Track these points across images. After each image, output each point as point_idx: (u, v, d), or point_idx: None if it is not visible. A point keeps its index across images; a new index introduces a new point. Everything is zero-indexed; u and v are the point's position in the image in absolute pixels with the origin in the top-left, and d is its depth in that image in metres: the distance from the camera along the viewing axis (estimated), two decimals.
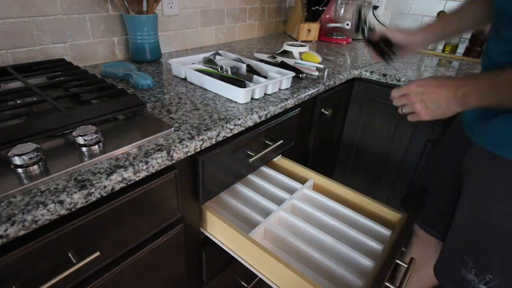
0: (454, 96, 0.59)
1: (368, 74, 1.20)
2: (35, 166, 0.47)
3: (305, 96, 0.91)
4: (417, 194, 0.91)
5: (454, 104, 0.60)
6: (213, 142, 0.66)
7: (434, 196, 0.86)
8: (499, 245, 0.64)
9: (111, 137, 0.57)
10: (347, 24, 1.61)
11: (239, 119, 0.70)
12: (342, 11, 1.69)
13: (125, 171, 0.50)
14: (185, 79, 0.93)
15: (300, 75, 0.99)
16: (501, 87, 0.55)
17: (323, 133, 1.24)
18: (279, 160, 0.99)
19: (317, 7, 1.56)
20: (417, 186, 0.94)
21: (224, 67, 0.89)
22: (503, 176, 0.61)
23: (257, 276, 0.69)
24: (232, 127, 0.69)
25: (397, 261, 0.66)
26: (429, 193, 0.87)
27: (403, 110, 0.71)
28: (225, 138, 0.69)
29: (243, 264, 0.72)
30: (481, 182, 0.66)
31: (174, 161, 0.58)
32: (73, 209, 0.45)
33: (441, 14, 1.44)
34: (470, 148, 0.68)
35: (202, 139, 0.62)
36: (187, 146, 0.59)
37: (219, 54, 1.08)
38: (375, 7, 1.69)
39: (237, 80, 0.81)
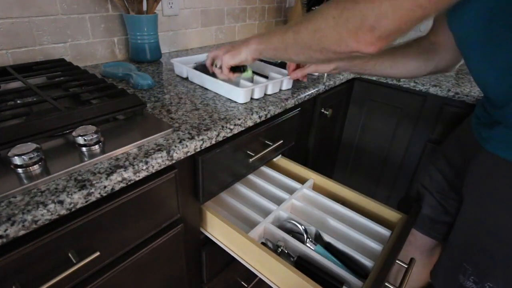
0: (243, 43, 0.71)
1: None
2: (35, 166, 0.47)
3: (305, 96, 0.91)
4: (415, 196, 0.91)
5: (243, 48, 0.71)
6: (213, 142, 0.66)
7: (433, 198, 0.85)
8: (502, 252, 0.62)
9: (111, 137, 0.57)
10: None
11: (239, 119, 0.70)
12: None
13: (125, 171, 0.50)
14: (185, 79, 0.93)
15: None
16: (274, 32, 0.64)
17: (323, 133, 1.24)
18: (279, 160, 0.99)
19: (317, 7, 1.55)
20: (416, 187, 0.93)
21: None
22: (510, 182, 0.59)
23: (257, 276, 0.69)
24: (232, 127, 0.69)
25: (397, 261, 0.66)
26: (428, 194, 0.86)
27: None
28: (225, 138, 0.69)
29: (243, 264, 0.72)
30: (486, 186, 0.64)
31: (174, 161, 0.58)
32: (73, 209, 0.45)
33: None
34: (476, 152, 0.66)
35: (202, 139, 0.62)
36: (187, 146, 0.59)
37: None
38: None
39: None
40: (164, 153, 0.56)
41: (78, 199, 0.45)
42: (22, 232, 0.41)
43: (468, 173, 0.69)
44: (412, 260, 0.71)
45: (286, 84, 0.90)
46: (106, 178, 0.48)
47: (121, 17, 1.04)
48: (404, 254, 0.94)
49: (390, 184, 1.34)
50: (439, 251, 0.94)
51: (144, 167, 0.53)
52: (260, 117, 0.76)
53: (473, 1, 0.53)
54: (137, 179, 0.53)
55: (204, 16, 1.32)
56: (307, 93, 0.92)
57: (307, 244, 0.71)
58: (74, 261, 0.48)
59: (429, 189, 0.85)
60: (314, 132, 1.14)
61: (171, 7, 1.17)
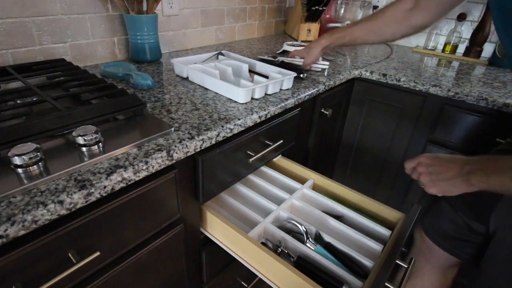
0: (460, 172, 0.58)
1: (368, 74, 1.20)
2: (35, 166, 0.47)
3: (305, 96, 0.91)
4: (438, 211, 0.87)
5: (459, 181, 0.58)
6: (213, 142, 0.66)
7: (458, 216, 0.81)
8: None
9: (111, 137, 0.57)
10: (347, 24, 1.61)
11: (239, 119, 0.70)
12: (342, 11, 1.69)
13: (125, 171, 0.50)
14: (185, 79, 0.93)
15: (301, 75, 0.99)
16: (502, 171, 0.52)
17: (323, 133, 1.24)
18: (279, 160, 0.99)
19: (317, 7, 1.56)
20: (440, 204, 0.88)
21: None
22: None
23: (257, 276, 0.69)
24: (232, 127, 0.69)
25: (397, 261, 0.65)
26: (452, 212, 0.81)
27: (417, 181, 0.68)
28: (225, 138, 0.69)
29: (243, 264, 0.72)
30: None
31: (174, 161, 0.58)
32: (73, 209, 0.45)
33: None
34: None
35: (202, 139, 0.62)
36: (187, 146, 0.59)
37: (222, 54, 1.08)
38: (375, 7, 1.69)
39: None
40: (164, 153, 0.56)
41: (78, 199, 0.45)
42: (22, 232, 0.41)
43: (502, 202, 0.66)
44: (412, 260, 0.70)
45: (286, 84, 0.90)
46: (106, 178, 0.48)
47: (121, 17, 1.04)
48: (420, 268, 0.92)
49: (390, 184, 1.34)
50: (455, 270, 0.91)
51: (144, 167, 0.53)
52: (260, 117, 0.76)
53: None
54: (137, 179, 0.53)
55: (204, 16, 1.32)
56: (307, 93, 0.92)
57: (307, 244, 0.71)
58: (74, 261, 0.48)
59: (454, 206, 0.82)
60: (314, 132, 1.14)
61: (171, 7, 1.17)
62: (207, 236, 0.79)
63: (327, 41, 1.02)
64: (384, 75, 1.16)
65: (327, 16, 1.71)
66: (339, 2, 1.67)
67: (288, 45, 1.30)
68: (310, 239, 0.71)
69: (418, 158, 0.67)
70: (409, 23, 0.87)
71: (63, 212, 0.44)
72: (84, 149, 0.52)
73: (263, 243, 0.70)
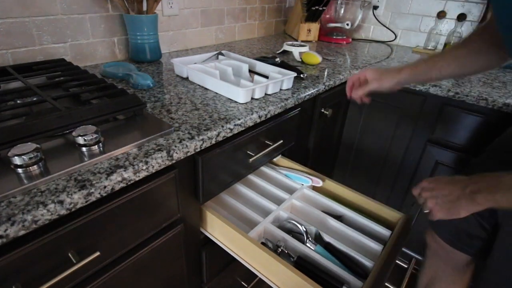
0: (463, 193, 0.58)
1: None
2: (35, 166, 0.47)
3: (305, 96, 0.91)
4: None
5: (464, 202, 0.58)
6: (213, 142, 0.66)
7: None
8: None
9: (111, 137, 0.57)
10: (347, 24, 1.61)
11: (239, 119, 0.70)
12: (342, 11, 1.69)
13: (125, 171, 0.50)
14: (185, 79, 0.93)
15: (301, 75, 0.99)
16: (508, 188, 0.52)
17: (323, 133, 1.24)
18: (279, 160, 0.99)
19: (317, 7, 1.56)
20: None
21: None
22: None
23: (257, 276, 0.69)
24: (232, 127, 0.69)
25: (397, 261, 0.65)
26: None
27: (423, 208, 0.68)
28: (225, 138, 0.69)
29: (243, 264, 0.72)
30: None
31: (174, 161, 0.58)
32: (73, 209, 0.45)
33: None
34: None
35: (202, 139, 0.62)
36: (187, 146, 0.59)
37: (222, 54, 1.08)
38: (375, 7, 1.69)
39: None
40: (164, 153, 0.56)
41: (78, 199, 0.45)
42: (22, 232, 0.41)
43: None
44: (412, 260, 0.70)
45: (286, 84, 0.90)
46: (106, 178, 0.48)
47: (121, 17, 1.04)
48: (434, 270, 0.91)
49: (390, 184, 1.34)
50: (472, 268, 0.90)
51: (144, 167, 0.53)
52: (260, 117, 0.76)
53: None
54: (137, 179, 0.53)
55: (204, 16, 1.32)
56: (307, 93, 0.92)
57: (307, 244, 0.71)
58: (74, 261, 0.48)
59: None
60: (314, 132, 1.14)
61: (171, 7, 1.17)
62: (207, 236, 0.79)
63: (407, 75, 0.78)
64: None
65: (327, 16, 1.71)
66: (339, 2, 1.67)
67: (288, 45, 1.30)
68: (310, 239, 0.71)
69: (421, 184, 0.66)
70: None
71: (63, 212, 0.44)
72: (84, 149, 0.52)
73: (263, 243, 0.70)
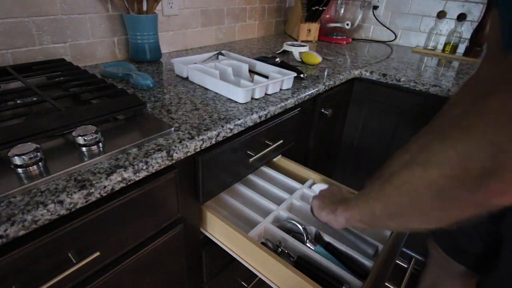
0: (336, 220, 0.54)
1: (368, 74, 1.20)
2: (35, 166, 0.47)
3: (305, 96, 0.91)
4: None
5: (326, 211, 0.56)
6: (213, 142, 0.66)
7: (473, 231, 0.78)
8: None
9: (111, 137, 0.57)
10: (347, 24, 1.61)
11: (239, 119, 0.70)
12: (342, 11, 1.69)
13: (125, 171, 0.50)
14: (185, 79, 0.93)
15: (301, 75, 0.99)
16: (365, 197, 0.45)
17: (323, 133, 1.24)
18: (279, 160, 0.99)
19: (317, 7, 1.56)
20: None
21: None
22: None
23: (257, 276, 0.69)
24: (232, 127, 0.69)
25: (397, 261, 0.65)
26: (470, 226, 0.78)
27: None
28: (225, 138, 0.69)
29: (243, 264, 0.72)
30: None
31: (174, 161, 0.58)
32: (73, 209, 0.45)
33: None
34: None
35: (202, 139, 0.62)
36: (187, 146, 0.59)
37: (222, 54, 1.08)
38: (375, 7, 1.69)
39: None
40: (164, 153, 0.56)
41: (78, 199, 0.45)
42: (22, 232, 0.41)
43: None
44: (412, 260, 0.70)
45: (286, 84, 0.90)
46: (106, 178, 0.48)
47: (121, 17, 1.04)
48: (435, 277, 0.89)
49: None
50: (474, 282, 0.89)
51: (144, 167, 0.53)
52: (260, 117, 0.76)
53: None
54: (137, 179, 0.53)
55: (204, 16, 1.32)
56: (307, 93, 0.92)
57: (307, 244, 0.70)
58: (74, 261, 0.48)
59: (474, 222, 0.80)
60: (314, 132, 1.14)
61: (171, 7, 1.17)
62: (207, 236, 0.79)
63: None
64: (384, 75, 1.16)
65: (327, 16, 1.71)
66: (339, 2, 1.67)
67: (288, 45, 1.30)
68: (310, 239, 0.71)
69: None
70: None
71: (63, 212, 0.44)
72: (84, 149, 0.52)
73: (263, 243, 0.70)
